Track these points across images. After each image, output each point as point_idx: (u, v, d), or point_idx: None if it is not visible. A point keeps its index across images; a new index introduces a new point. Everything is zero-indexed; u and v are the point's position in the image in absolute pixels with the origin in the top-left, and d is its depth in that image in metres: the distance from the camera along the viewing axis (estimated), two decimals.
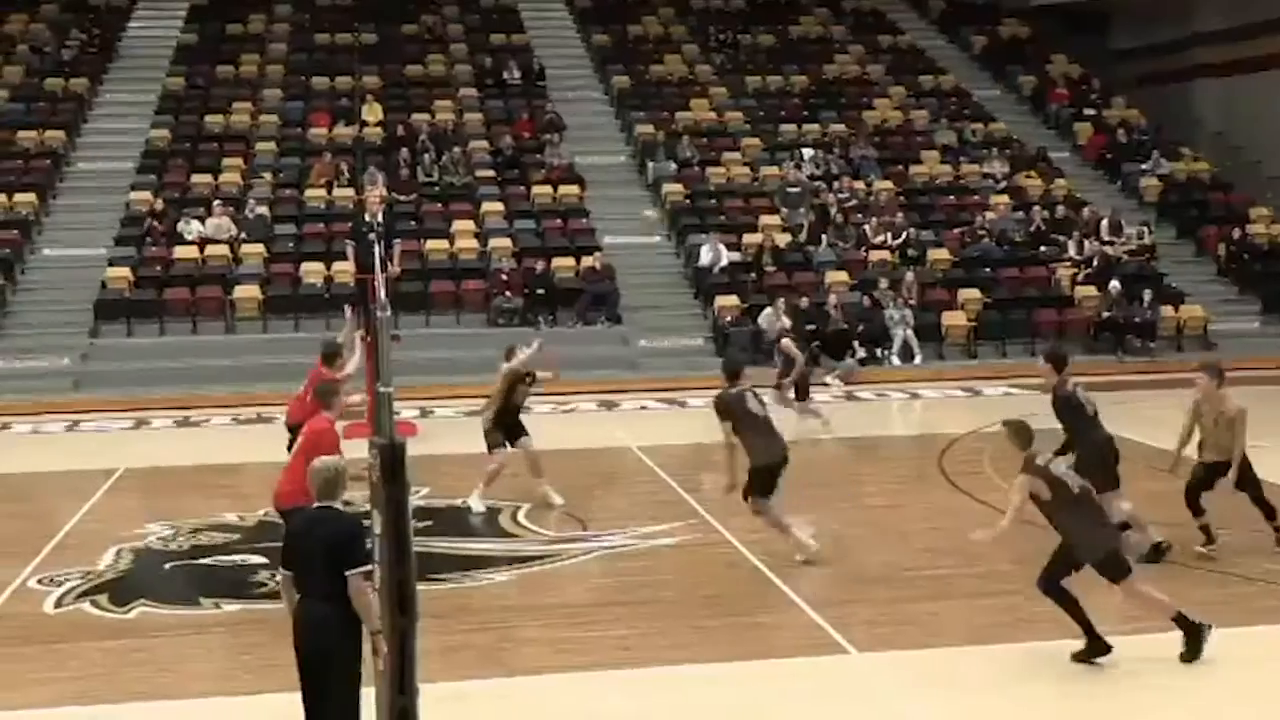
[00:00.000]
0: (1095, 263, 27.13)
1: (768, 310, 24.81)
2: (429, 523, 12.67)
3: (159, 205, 26.88)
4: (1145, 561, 10.86)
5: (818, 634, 9.71)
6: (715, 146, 31.02)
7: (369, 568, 6.77)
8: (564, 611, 10.43)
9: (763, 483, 11.35)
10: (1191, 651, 8.88)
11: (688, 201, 28.95)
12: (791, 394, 18.13)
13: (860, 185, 29.60)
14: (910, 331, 25.12)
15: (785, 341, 18.53)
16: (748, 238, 27.40)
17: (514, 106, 32.18)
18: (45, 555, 12.18)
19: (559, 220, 28.15)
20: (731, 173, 30.11)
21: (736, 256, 26.82)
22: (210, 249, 26.11)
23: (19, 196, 27.46)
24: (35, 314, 25.05)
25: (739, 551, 11.89)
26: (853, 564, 11.56)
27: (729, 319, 25.13)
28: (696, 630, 9.85)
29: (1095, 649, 8.93)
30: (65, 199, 28.36)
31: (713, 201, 29.18)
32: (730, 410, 11.47)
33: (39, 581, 11.39)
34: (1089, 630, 8.94)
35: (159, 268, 25.73)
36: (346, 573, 6.70)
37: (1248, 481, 11.51)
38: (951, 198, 29.96)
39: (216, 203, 27.02)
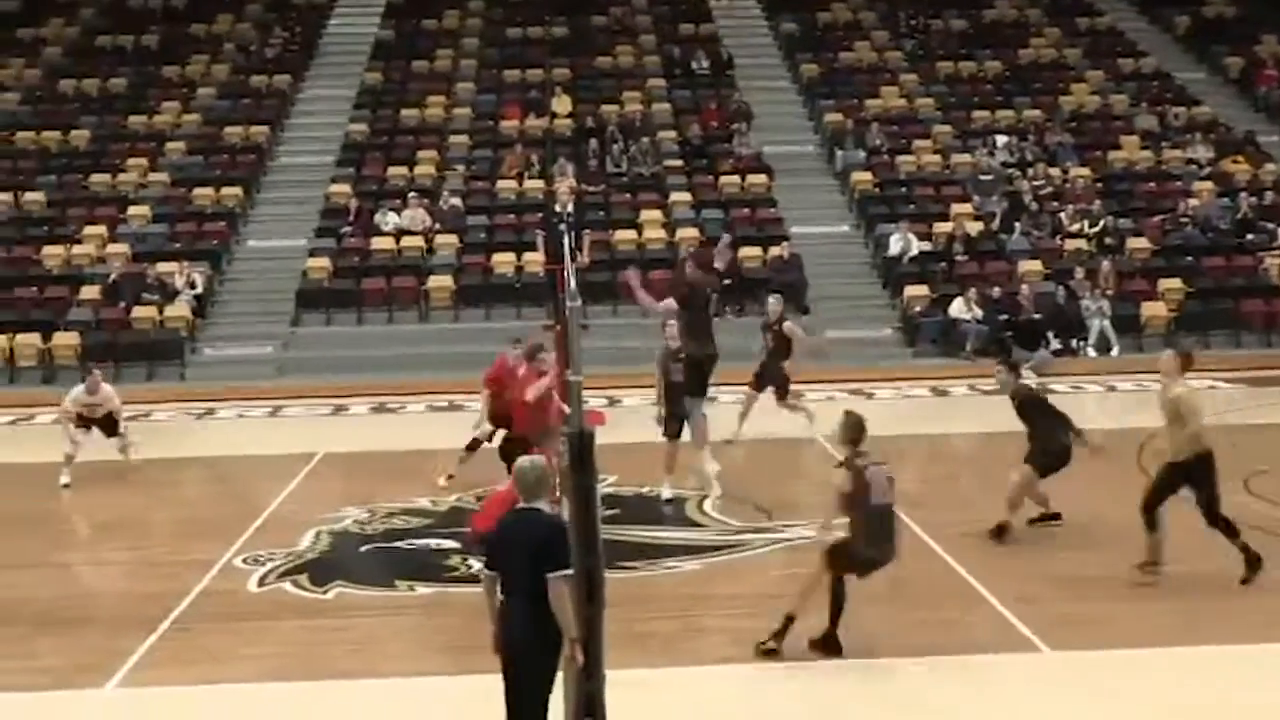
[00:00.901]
0: None
1: (958, 300, 24.42)
2: (616, 511, 12.78)
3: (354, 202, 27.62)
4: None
5: (1008, 630, 9.50)
6: (905, 134, 30.59)
7: (569, 571, 6.76)
8: (747, 602, 10.41)
9: None
10: None
11: (877, 190, 28.61)
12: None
13: (1056, 172, 28.86)
14: (1107, 322, 24.42)
15: (789, 324, 16.65)
16: (938, 226, 26.96)
17: (702, 96, 32.22)
18: (249, 536, 12.64)
19: (746, 210, 28.09)
20: (922, 160, 29.65)
21: (927, 246, 26.42)
22: (405, 240, 26.75)
23: (225, 190, 28.52)
24: (240, 303, 26.02)
25: (926, 544, 11.71)
26: (1048, 563, 11.29)
27: (919, 309, 24.77)
28: (881, 623, 9.73)
29: None
30: (268, 192, 29.37)
31: (902, 190, 28.78)
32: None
33: (243, 561, 11.83)
34: None
35: (357, 258, 26.46)
36: (548, 575, 6.67)
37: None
38: (1152, 184, 29.01)
39: (412, 195, 27.66)
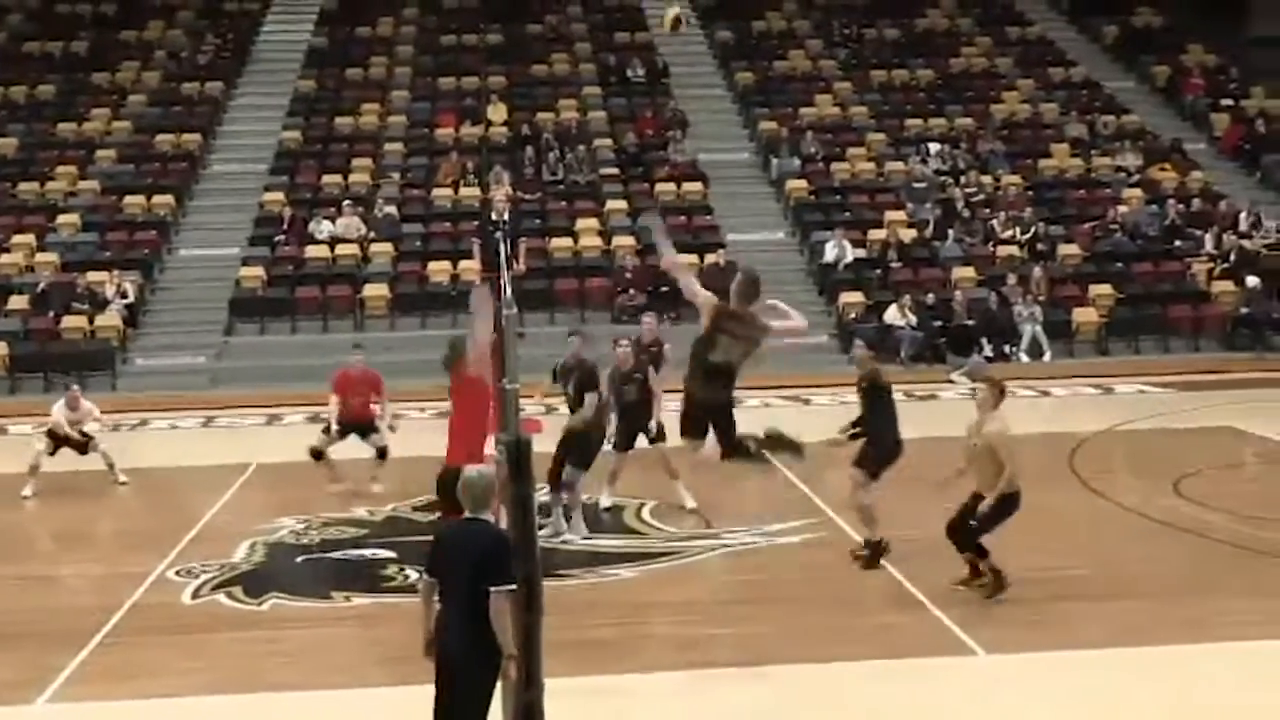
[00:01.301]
0: (1233, 258, 26.42)
1: (893, 307, 24.62)
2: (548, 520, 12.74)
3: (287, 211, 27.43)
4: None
5: (945, 635, 9.58)
6: (840, 142, 30.79)
7: (513, 587, 6.72)
8: (690, 608, 10.43)
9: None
10: None
11: (812, 197, 28.78)
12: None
13: (988, 179, 29.17)
14: (1039, 328, 24.70)
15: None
16: (873, 233, 27.16)
17: (637, 104, 32.28)
18: (182, 547, 12.50)
19: (682, 217, 28.16)
20: (856, 168, 29.87)
21: (861, 253, 26.60)
22: (340, 248, 26.59)
23: (157, 198, 28.21)
24: (173, 312, 25.74)
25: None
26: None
27: (854, 316, 24.94)
28: (823, 629, 9.78)
29: None
30: (201, 200, 29.08)
31: (837, 197, 28.97)
32: None
33: (177, 573, 11.69)
34: None
35: (291, 267, 26.27)
36: (490, 589, 6.62)
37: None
38: (1082, 191, 29.40)
39: (346, 203, 27.50)
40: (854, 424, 11.70)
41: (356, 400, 15.06)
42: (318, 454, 14.86)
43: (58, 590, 11.86)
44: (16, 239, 26.65)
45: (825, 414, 19.59)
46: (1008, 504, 10.22)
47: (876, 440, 11.42)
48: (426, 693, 7.07)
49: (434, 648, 6.93)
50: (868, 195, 28.97)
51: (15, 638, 10.21)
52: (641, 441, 13.62)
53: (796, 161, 29.69)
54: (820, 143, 30.29)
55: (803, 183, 28.99)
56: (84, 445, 15.49)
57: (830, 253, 26.28)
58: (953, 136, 30.76)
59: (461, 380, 10.06)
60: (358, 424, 15.03)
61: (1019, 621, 9.81)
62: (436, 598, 6.92)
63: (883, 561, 11.32)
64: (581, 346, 13.48)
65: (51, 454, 15.30)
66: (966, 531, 10.36)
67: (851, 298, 25.29)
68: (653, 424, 13.56)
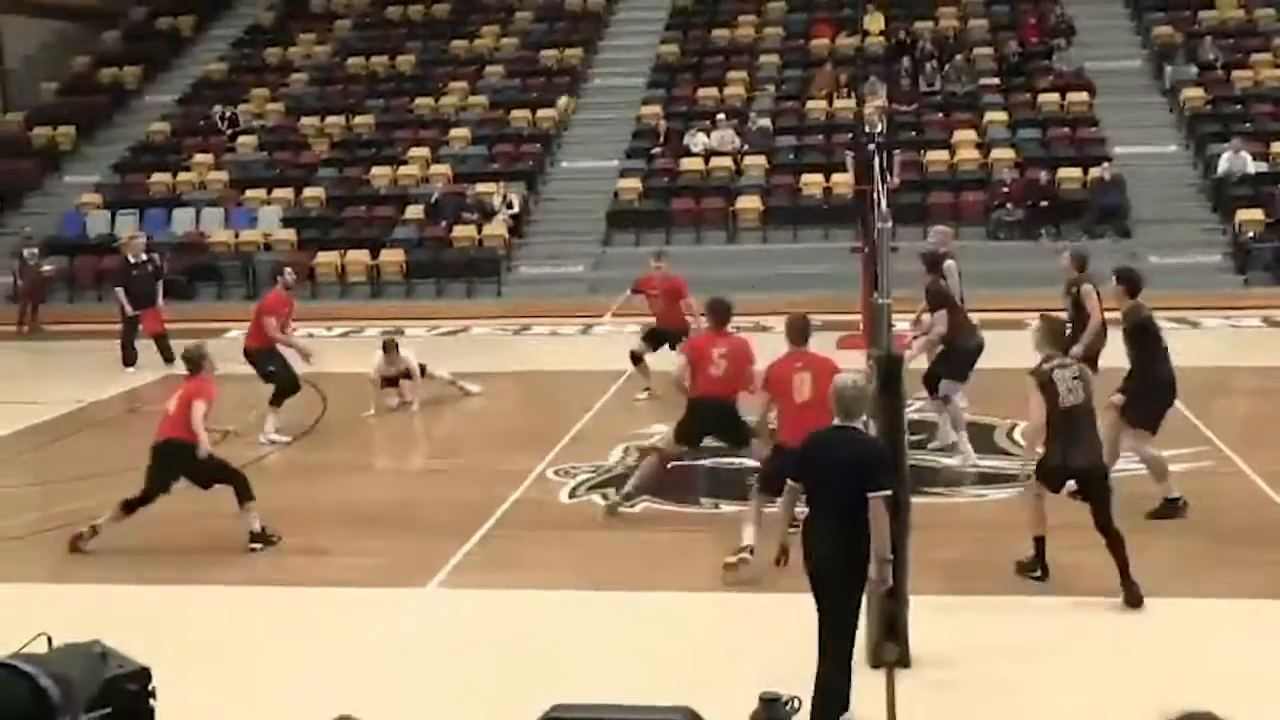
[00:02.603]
0: None
1: None
2: (921, 436, 12.60)
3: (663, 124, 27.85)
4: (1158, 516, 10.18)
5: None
6: (1242, 47, 28.73)
7: (889, 492, 6.68)
8: (1057, 533, 10.12)
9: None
10: None
11: (1209, 108, 27.02)
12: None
13: None
14: None
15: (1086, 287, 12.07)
16: (1276, 146, 25.28)
17: (1021, 10, 31.02)
18: (561, 449, 13.04)
19: (1066, 129, 27.02)
20: (1260, 75, 27.81)
21: (1264, 166, 24.82)
22: (714, 161, 26.85)
23: (541, 112, 29.21)
24: (554, 223, 26.71)
25: (1255, 485, 11.12)
26: None
27: (1252, 234, 23.37)
28: (1207, 561, 9.32)
29: None
30: (581, 114, 29.91)
31: (1238, 107, 27.09)
32: None
33: (555, 473, 12.23)
34: None
35: (666, 179, 26.74)
36: (870, 494, 6.58)
37: None
38: None
39: (721, 116, 27.71)
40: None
41: (661, 306, 15.24)
42: (637, 358, 15.10)
43: (447, 484, 12.60)
44: (413, 152, 28.17)
45: (1217, 338, 18.55)
46: None
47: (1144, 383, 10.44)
48: (782, 600, 7.15)
49: (787, 556, 6.98)
50: (1272, 104, 26.94)
51: (411, 525, 10.96)
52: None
53: (1193, 69, 27.90)
54: (1220, 48, 28.34)
55: (1199, 91, 27.23)
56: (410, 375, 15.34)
57: (1225, 164, 24.65)
58: None
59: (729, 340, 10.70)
60: (666, 331, 15.20)
61: None
62: (806, 504, 6.93)
63: (1273, 495, 10.65)
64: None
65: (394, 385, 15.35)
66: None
67: (1250, 214, 23.66)
68: (1079, 347, 11.47)
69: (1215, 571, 9.23)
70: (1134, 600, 8.48)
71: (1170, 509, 10.31)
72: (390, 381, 15.38)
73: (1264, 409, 14.59)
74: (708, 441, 11.53)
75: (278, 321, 14.38)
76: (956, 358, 12.28)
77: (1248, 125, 26.26)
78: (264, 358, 14.29)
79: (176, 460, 10.21)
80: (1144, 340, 10.39)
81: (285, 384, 14.23)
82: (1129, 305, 10.64)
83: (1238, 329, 19.83)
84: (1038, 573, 8.94)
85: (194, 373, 10.52)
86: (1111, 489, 8.83)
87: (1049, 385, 8.77)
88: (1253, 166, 24.66)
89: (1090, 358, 11.09)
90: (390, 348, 15.38)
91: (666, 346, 15.18)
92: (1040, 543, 8.97)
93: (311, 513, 11.24)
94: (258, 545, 10.26)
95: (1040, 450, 9.00)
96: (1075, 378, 8.91)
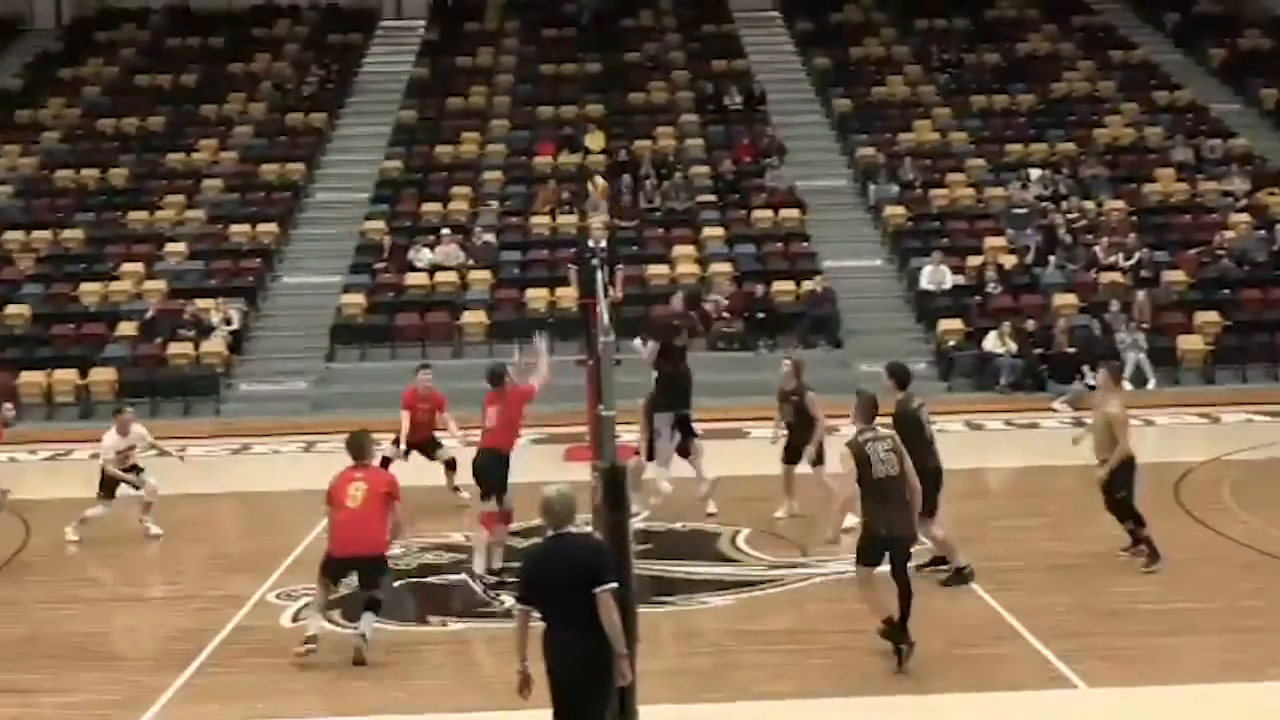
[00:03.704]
0: None
1: (993, 334, 24.33)
2: (649, 546, 12.74)
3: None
4: (948, 584, 11.27)
5: (1045, 667, 9.41)
6: (939, 168, 30.54)
7: (616, 585, 6.75)
8: (785, 637, 10.36)
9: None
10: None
11: (910, 224, 28.56)
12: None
13: (1090, 205, 28.74)
14: (1143, 355, 24.25)
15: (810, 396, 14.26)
16: (972, 260, 26.88)
17: (734, 131, 32.30)
18: (283, 571, 12.66)
19: (779, 244, 28.09)
20: (955, 194, 29.59)
21: (960, 279, 26.34)
22: (439, 276, 26.86)
23: (261, 227, 28.73)
24: (276, 339, 26.16)
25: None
26: (1084, 595, 11.18)
27: (953, 343, 24.70)
28: (921, 659, 9.65)
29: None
30: (304, 229, 29.56)
31: (936, 224, 28.72)
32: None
33: (277, 596, 11.86)
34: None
35: (391, 294, 26.59)
36: (596, 590, 6.64)
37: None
38: (1188, 216, 28.84)
39: (445, 231, 27.80)
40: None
41: (422, 417, 15.79)
42: (385, 462, 15.07)
43: (163, 612, 12.07)
44: (126, 267, 27.27)
45: None
46: (1128, 467, 11.85)
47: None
48: (521, 718, 7.09)
49: (529, 678, 6.92)
50: (967, 222, 28.67)
51: (119, 658, 10.44)
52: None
53: (895, 188, 29.50)
54: (919, 169, 30.08)
55: (901, 209, 28.79)
56: (135, 484, 14.56)
57: (926, 278, 26.05)
58: (1054, 162, 30.36)
59: (504, 395, 12.45)
60: (421, 443, 15.73)
61: (1121, 655, 9.61)
62: (545, 623, 6.88)
63: (981, 591, 11.16)
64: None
65: (110, 503, 14.43)
66: (1117, 504, 11.87)
67: (950, 325, 25.04)
68: (811, 448, 13.86)
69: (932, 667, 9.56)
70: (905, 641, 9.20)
71: (959, 576, 11.39)
72: (113, 489, 14.47)
73: (969, 511, 15.29)
74: (435, 559, 11.31)
75: None
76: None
77: (945, 241, 27.84)
78: None
79: None
80: (909, 430, 10.97)
81: None
82: (898, 397, 11.48)
83: (943, 433, 20.73)
84: (904, 646, 9.24)
85: None
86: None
87: (862, 457, 9.19)
88: (950, 280, 26.13)
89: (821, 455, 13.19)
90: (122, 419, 14.84)
91: (417, 453, 15.73)
92: (890, 623, 9.24)
93: (12, 649, 10.57)
94: None
95: (848, 524, 9.49)
96: (889, 450, 9.31)
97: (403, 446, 15.77)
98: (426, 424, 15.98)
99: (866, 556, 9.44)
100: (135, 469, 14.71)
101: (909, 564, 9.64)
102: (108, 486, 14.49)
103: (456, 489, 15.49)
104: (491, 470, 12.28)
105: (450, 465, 15.72)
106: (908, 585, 9.40)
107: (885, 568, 9.47)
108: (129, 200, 29.84)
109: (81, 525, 14.37)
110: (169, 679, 9.68)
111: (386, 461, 15.15)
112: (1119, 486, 11.83)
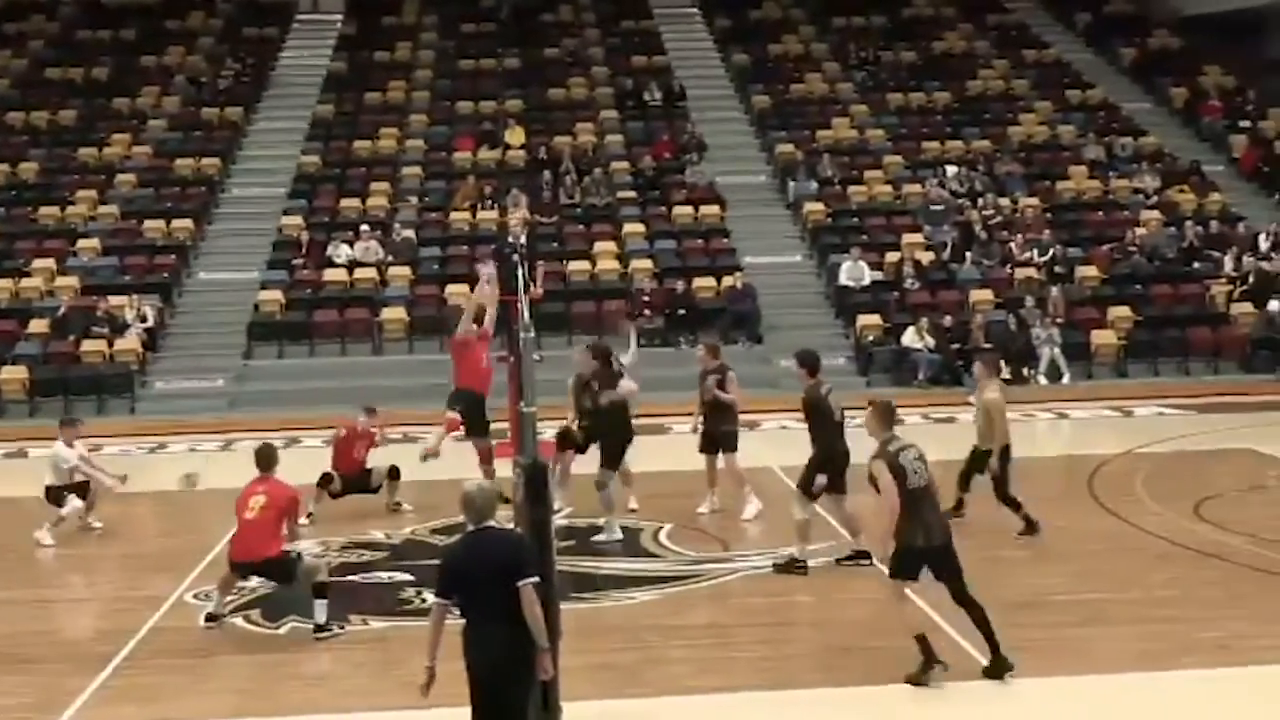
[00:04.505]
0: (1252, 279, 26.34)
1: (911, 329, 24.59)
2: (571, 542, 12.74)
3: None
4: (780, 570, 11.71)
5: (964, 659, 9.52)
6: (857, 165, 30.83)
7: (538, 579, 6.76)
8: (707, 632, 10.40)
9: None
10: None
11: (829, 220, 28.79)
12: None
13: (1005, 202, 29.15)
14: (1058, 350, 24.65)
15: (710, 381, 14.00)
16: (890, 256, 27.16)
17: (655, 127, 32.37)
18: (200, 571, 12.51)
19: (700, 240, 28.21)
20: (873, 191, 29.88)
21: (879, 275, 26.59)
22: (358, 272, 26.68)
23: (176, 223, 28.35)
24: (191, 336, 25.85)
25: (884, 574, 11.73)
26: (1001, 588, 11.31)
27: (871, 339, 24.93)
28: (837, 653, 9.74)
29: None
30: (220, 224, 29.22)
31: (854, 220, 28.98)
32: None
33: (194, 596, 11.72)
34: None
35: (309, 291, 26.36)
36: (519, 584, 6.66)
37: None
38: (1100, 213, 29.36)
39: (364, 226, 27.60)
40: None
41: (358, 454, 15.13)
42: (327, 478, 14.89)
43: (75, 613, 11.91)
44: (37, 263, 26.79)
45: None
46: (1005, 454, 12.68)
47: (821, 453, 11.87)
48: (445, 715, 7.07)
49: (434, 676, 6.89)
50: (884, 218, 28.97)
51: (33, 661, 10.24)
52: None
53: (813, 184, 29.72)
54: (837, 165, 30.32)
55: (820, 205, 29.01)
56: (85, 488, 14.61)
57: (847, 275, 26.26)
58: (970, 159, 30.76)
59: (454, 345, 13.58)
60: (356, 479, 15.08)
61: (1036, 646, 9.74)
62: (465, 617, 6.87)
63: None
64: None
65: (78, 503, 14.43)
66: (1008, 496, 12.66)
67: (869, 320, 25.28)
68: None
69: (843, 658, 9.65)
70: (1003, 669, 8.91)
71: (795, 566, 11.76)
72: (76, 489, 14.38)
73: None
74: (355, 557, 11.19)
75: None
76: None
77: (864, 237, 28.10)
78: None
79: None
80: (816, 415, 11.60)
81: None
82: (808, 384, 11.83)
83: (862, 428, 20.98)
84: (934, 669, 8.86)
85: None
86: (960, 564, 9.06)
87: (897, 468, 8.84)
88: (869, 276, 26.37)
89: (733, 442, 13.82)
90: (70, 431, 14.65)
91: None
92: (923, 640, 8.89)
93: None
94: None
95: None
96: (918, 458, 9.03)
97: (337, 483, 14.94)
98: (361, 460, 15.20)
99: (904, 570, 9.01)
100: (81, 486, 14.52)
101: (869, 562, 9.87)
102: (79, 489, 14.46)
103: (398, 505, 15.03)
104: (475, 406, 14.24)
105: (393, 474, 15.10)
106: (971, 599, 9.01)
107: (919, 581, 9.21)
108: (40, 195, 29.35)
109: (55, 527, 14.17)
110: (85, 681, 9.53)
111: (328, 478, 14.87)
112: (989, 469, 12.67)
